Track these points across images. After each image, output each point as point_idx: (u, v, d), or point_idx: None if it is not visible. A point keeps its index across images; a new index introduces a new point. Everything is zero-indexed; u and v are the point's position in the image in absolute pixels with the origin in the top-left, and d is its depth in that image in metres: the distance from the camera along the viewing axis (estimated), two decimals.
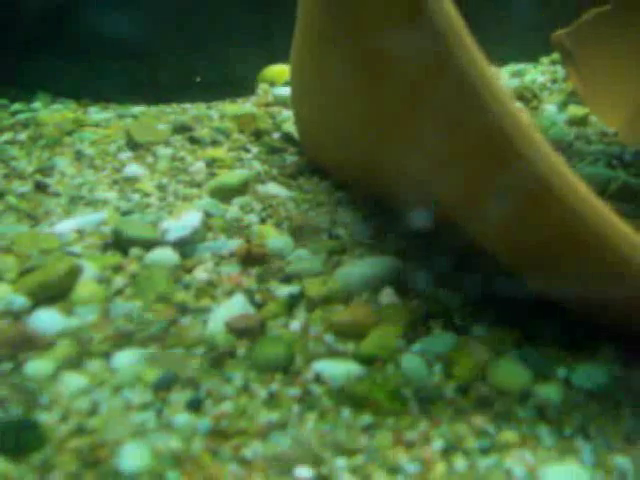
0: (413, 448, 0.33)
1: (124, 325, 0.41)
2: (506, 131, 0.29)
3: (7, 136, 0.69)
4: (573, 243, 0.31)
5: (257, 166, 0.63)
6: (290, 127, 0.71)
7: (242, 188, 0.58)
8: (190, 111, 0.76)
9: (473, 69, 0.29)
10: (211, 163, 0.63)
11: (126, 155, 0.65)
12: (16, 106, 0.78)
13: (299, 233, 0.52)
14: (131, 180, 0.60)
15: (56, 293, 0.43)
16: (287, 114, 0.76)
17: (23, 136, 0.69)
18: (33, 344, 0.38)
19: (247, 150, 0.66)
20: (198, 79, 0.82)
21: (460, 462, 0.32)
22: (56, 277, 0.43)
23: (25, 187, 0.58)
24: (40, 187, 0.58)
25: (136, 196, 0.57)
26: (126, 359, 0.38)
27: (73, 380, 0.36)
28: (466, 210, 0.36)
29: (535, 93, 0.74)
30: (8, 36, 0.80)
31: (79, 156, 0.64)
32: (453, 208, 0.37)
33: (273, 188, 0.59)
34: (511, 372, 0.37)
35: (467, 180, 0.34)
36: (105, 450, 0.32)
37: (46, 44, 0.80)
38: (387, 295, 0.45)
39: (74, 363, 0.37)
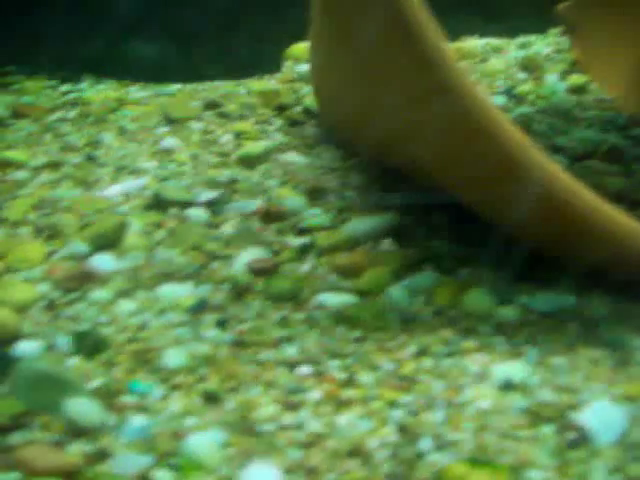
0: (391, 352, 0.45)
1: (165, 267, 0.54)
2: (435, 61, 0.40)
3: (59, 114, 0.83)
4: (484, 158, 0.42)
5: (279, 137, 0.75)
6: (310, 101, 0.82)
7: (265, 157, 0.71)
8: (220, 89, 0.88)
9: None
10: (238, 135, 0.75)
11: (163, 130, 0.78)
12: (65, 87, 0.92)
13: (313, 194, 0.64)
14: (168, 152, 0.73)
15: (109, 242, 0.56)
16: (308, 89, 0.87)
17: (73, 114, 0.82)
18: (94, 279, 0.51)
19: (270, 123, 0.79)
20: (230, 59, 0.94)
21: (427, 362, 0.44)
22: (109, 229, 0.56)
23: (78, 158, 0.72)
24: (90, 158, 0.71)
25: (172, 165, 0.70)
26: (168, 290, 0.51)
27: (127, 305, 0.49)
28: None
29: (539, 64, 0.84)
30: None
31: (122, 131, 0.77)
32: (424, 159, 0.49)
33: (292, 156, 0.71)
34: (479, 299, 0.49)
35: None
36: (153, 353, 0.45)
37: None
38: (386, 244, 0.57)
39: (127, 293, 0.50)
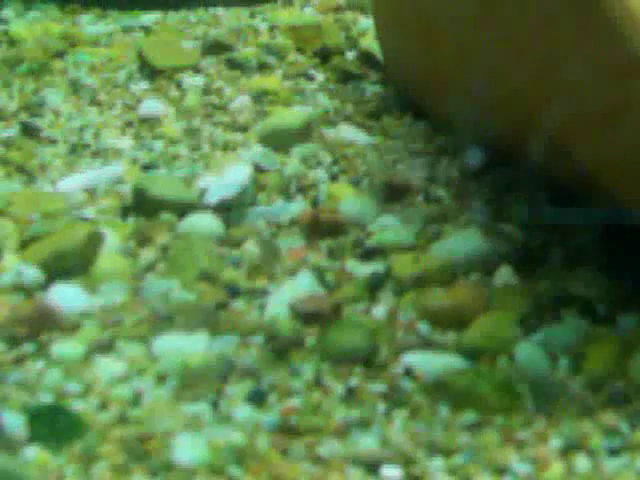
0: (525, 447, 0.47)
1: (161, 307, 0.56)
2: None
3: None
4: None
5: (324, 101, 0.78)
6: (371, 43, 0.85)
7: (304, 132, 0.73)
8: (226, 20, 0.91)
9: None
10: (260, 97, 0.78)
11: (140, 86, 0.81)
12: None
13: (384, 194, 0.67)
14: (150, 121, 0.76)
15: (74, 266, 0.59)
16: (367, 23, 0.90)
17: None
18: (54, 324, 0.54)
19: (310, 78, 0.81)
20: None
21: (582, 462, 0.46)
22: (73, 247, 0.59)
23: (9, 131, 0.75)
24: (29, 131, 0.74)
25: (158, 144, 0.73)
26: (168, 344, 0.53)
27: (108, 365, 0.52)
28: None
29: None
30: None
31: (76, 88, 0.80)
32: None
33: (347, 131, 0.74)
34: None
35: None
36: (154, 442, 0.47)
37: None
38: (503, 275, 0.60)
39: (106, 347, 0.53)
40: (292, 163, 0.70)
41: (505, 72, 0.57)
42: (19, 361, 0.53)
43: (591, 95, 0.50)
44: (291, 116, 0.74)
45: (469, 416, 0.49)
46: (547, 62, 0.53)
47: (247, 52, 0.84)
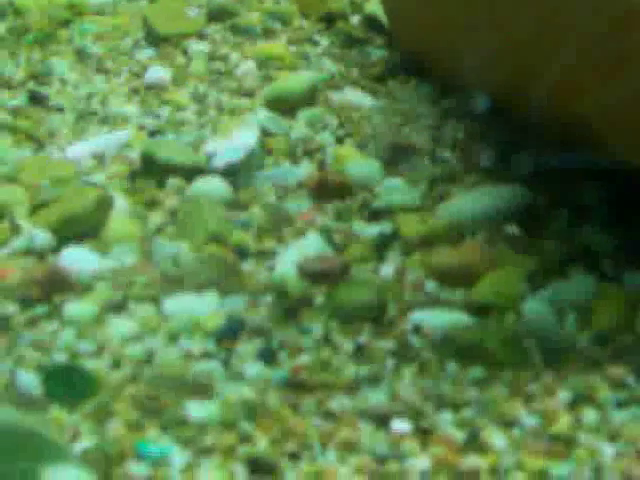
0: (533, 400, 0.48)
1: (171, 268, 0.57)
2: None
3: None
4: None
5: (329, 65, 0.79)
6: (376, 7, 0.85)
7: (310, 96, 0.74)
8: None
9: None
10: (265, 62, 0.78)
11: (146, 54, 0.81)
12: None
13: (390, 156, 0.67)
14: (156, 88, 0.76)
15: (84, 229, 0.60)
16: None
17: (0, 29, 0.86)
18: (67, 286, 0.55)
19: (315, 43, 0.82)
20: None
21: (590, 415, 0.47)
22: (83, 211, 0.60)
23: (17, 100, 0.75)
24: (37, 99, 0.75)
25: (165, 110, 0.74)
26: (179, 304, 0.54)
27: (120, 325, 0.53)
28: None
29: None
30: None
31: (82, 57, 0.81)
32: None
33: (353, 95, 0.75)
34: None
35: None
36: (167, 399, 0.48)
37: None
38: (510, 234, 0.60)
39: (119, 308, 0.54)
40: (298, 127, 0.71)
41: (507, 24, 0.57)
42: (33, 322, 0.54)
43: (592, 46, 0.51)
44: (296, 80, 0.75)
45: (477, 371, 0.50)
46: (548, 13, 0.53)
47: (252, 18, 0.85)
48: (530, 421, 0.47)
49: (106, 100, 0.75)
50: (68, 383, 0.49)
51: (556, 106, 0.56)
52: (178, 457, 0.45)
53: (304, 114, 0.72)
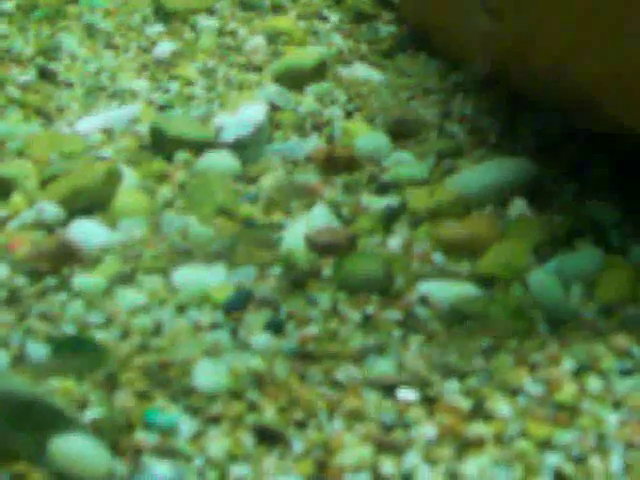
0: (538, 369, 0.48)
1: (180, 241, 0.58)
2: None
3: None
4: None
5: (338, 41, 0.79)
6: None
7: (319, 71, 0.74)
8: None
9: None
10: (274, 37, 0.79)
11: (155, 29, 0.81)
12: None
13: (398, 130, 0.67)
14: (165, 63, 0.77)
15: (93, 203, 0.60)
16: None
17: (9, 5, 0.86)
18: (76, 258, 0.55)
19: (324, 18, 0.82)
20: None
21: (594, 383, 0.47)
22: (92, 184, 0.60)
23: (27, 75, 0.76)
24: (46, 74, 0.75)
25: (174, 85, 0.74)
26: (188, 276, 0.55)
27: (129, 297, 0.53)
28: None
29: None
30: None
31: (91, 32, 0.81)
32: None
33: (362, 70, 0.75)
34: None
35: None
36: (176, 369, 0.49)
37: None
38: (517, 207, 0.60)
39: (127, 279, 0.54)
40: (307, 101, 0.71)
41: None
42: (42, 294, 0.54)
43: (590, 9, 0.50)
44: (305, 55, 0.75)
45: (483, 341, 0.50)
46: None
47: None
48: (535, 389, 0.47)
49: (115, 75, 0.75)
50: (77, 354, 0.50)
51: (554, 73, 0.56)
52: (186, 426, 0.46)
53: (313, 89, 0.73)
